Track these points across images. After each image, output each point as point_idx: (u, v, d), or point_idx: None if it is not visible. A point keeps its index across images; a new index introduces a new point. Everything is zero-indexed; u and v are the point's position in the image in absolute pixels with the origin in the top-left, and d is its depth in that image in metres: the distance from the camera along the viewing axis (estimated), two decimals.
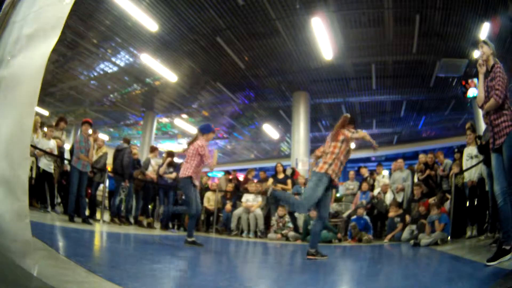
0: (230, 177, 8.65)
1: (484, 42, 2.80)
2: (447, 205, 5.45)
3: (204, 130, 4.28)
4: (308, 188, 3.32)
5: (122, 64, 9.26)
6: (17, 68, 1.47)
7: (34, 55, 1.46)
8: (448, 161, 6.19)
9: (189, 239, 4.07)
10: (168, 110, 12.38)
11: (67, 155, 6.50)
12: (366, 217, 6.25)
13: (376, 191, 6.88)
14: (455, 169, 5.54)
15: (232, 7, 6.66)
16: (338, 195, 7.66)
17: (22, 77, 1.45)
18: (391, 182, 6.90)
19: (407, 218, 5.80)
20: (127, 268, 2.31)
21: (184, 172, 4.08)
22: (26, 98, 1.42)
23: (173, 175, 7.02)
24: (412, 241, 5.08)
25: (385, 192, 6.73)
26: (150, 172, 6.91)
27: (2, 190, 1.38)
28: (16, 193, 1.37)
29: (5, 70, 1.50)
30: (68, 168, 6.29)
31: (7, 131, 1.42)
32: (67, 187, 6.17)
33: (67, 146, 6.83)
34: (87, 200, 6.13)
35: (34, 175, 5.72)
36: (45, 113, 12.22)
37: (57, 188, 6.37)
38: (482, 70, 2.76)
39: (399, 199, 6.48)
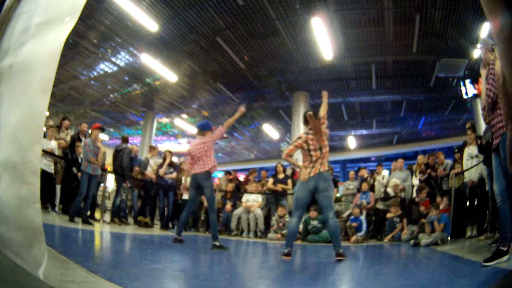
0: (231, 177, 8.66)
1: (484, 48, 2.80)
2: (442, 206, 5.44)
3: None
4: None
5: (122, 64, 9.25)
6: (26, 56, 1.47)
7: (46, 42, 1.45)
8: (448, 161, 6.19)
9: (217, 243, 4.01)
10: (168, 110, 12.38)
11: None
12: (362, 218, 6.26)
13: (390, 190, 6.74)
14: (455, 169, 5.54)
15: (232, 7, 6.66)
16: (338, 195, 7.65)
17: (33, 64, 1.44)
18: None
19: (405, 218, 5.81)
20: (127, 268, 2.31)
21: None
22: (37, 83, 1.41)
23: (174, 175, 7.02)
24: (412, 241, 5.08)
25: (396, 193, 6.67)
26: (150, 172, 6.91)
27: (9, 176, 1.35)
28: (24, 177, 1.34)
29: (13, 58, 1.49)
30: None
31: (16, 117, 1.40)
32: (67, 187, 6.19)
33: None
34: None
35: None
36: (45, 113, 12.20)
37: (60, 188, 6.37)
38: (483, 72, 2.78)
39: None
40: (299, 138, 3.51)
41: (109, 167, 7.02)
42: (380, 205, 6.55)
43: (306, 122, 3.59)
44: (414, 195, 6.19)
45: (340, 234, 3.60)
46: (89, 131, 6.09)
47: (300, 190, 3.40)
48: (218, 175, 11.78)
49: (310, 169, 3.38)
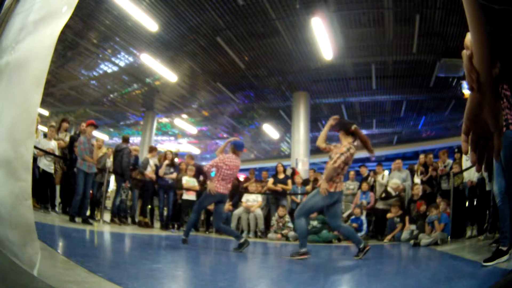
0: None
1: None
2: (442, 207, 5.44)
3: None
4: None
5: (122, 64, 9.25)
6: (23, 52, 1.46)
7: (42, 37, 1.44)
8: (449, 161, 6.20)
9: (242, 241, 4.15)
10: (168, 110, 12.38)
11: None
12: (363, 218, 6.26)
13: (390, 190, 6.74)
14: (455, 169, 5.55)
15: (232, 7, 6.66)
16: None
17: (29, 59, 1.43)
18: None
19: (407, 218, 5.81)
20: (127, 268, 2.31)
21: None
22: (32, 77, 1.39)
23: (174, 175, 7.02)
24: (412, 241, 5.08)
25: (396, 193, 6.65)
26: (149, 172, 6.91)
27: (3, 172, 1.33)
28: (17, 172, 1.32)
29: (10, 56, 1.49)
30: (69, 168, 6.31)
31: (11, 112, 1.39)
32: (67, 187, 6.19)
33: None
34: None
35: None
36: (45, 113, 12.21)
37: (59, 188, 6.37)
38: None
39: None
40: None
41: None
42: (380, 205, 6.55)
43: None
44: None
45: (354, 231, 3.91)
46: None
47: (321, 201, 3.54)
48: None
49: (335, 183, 3.52)
